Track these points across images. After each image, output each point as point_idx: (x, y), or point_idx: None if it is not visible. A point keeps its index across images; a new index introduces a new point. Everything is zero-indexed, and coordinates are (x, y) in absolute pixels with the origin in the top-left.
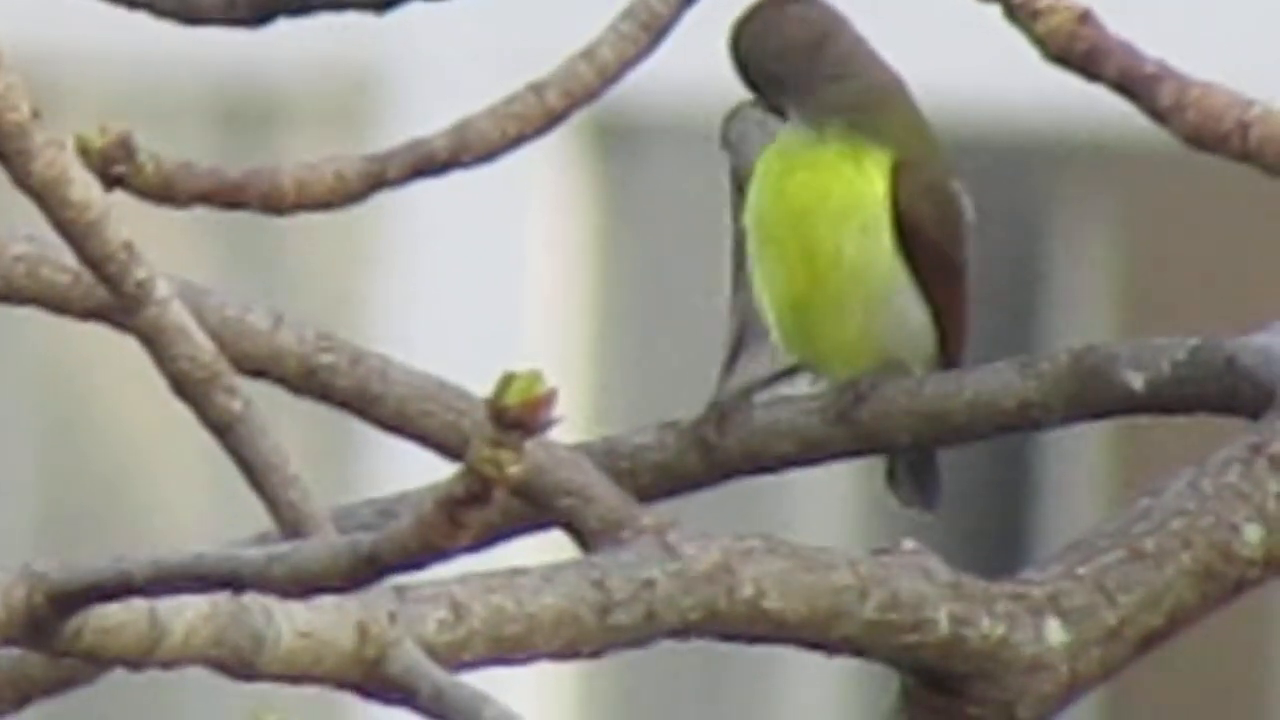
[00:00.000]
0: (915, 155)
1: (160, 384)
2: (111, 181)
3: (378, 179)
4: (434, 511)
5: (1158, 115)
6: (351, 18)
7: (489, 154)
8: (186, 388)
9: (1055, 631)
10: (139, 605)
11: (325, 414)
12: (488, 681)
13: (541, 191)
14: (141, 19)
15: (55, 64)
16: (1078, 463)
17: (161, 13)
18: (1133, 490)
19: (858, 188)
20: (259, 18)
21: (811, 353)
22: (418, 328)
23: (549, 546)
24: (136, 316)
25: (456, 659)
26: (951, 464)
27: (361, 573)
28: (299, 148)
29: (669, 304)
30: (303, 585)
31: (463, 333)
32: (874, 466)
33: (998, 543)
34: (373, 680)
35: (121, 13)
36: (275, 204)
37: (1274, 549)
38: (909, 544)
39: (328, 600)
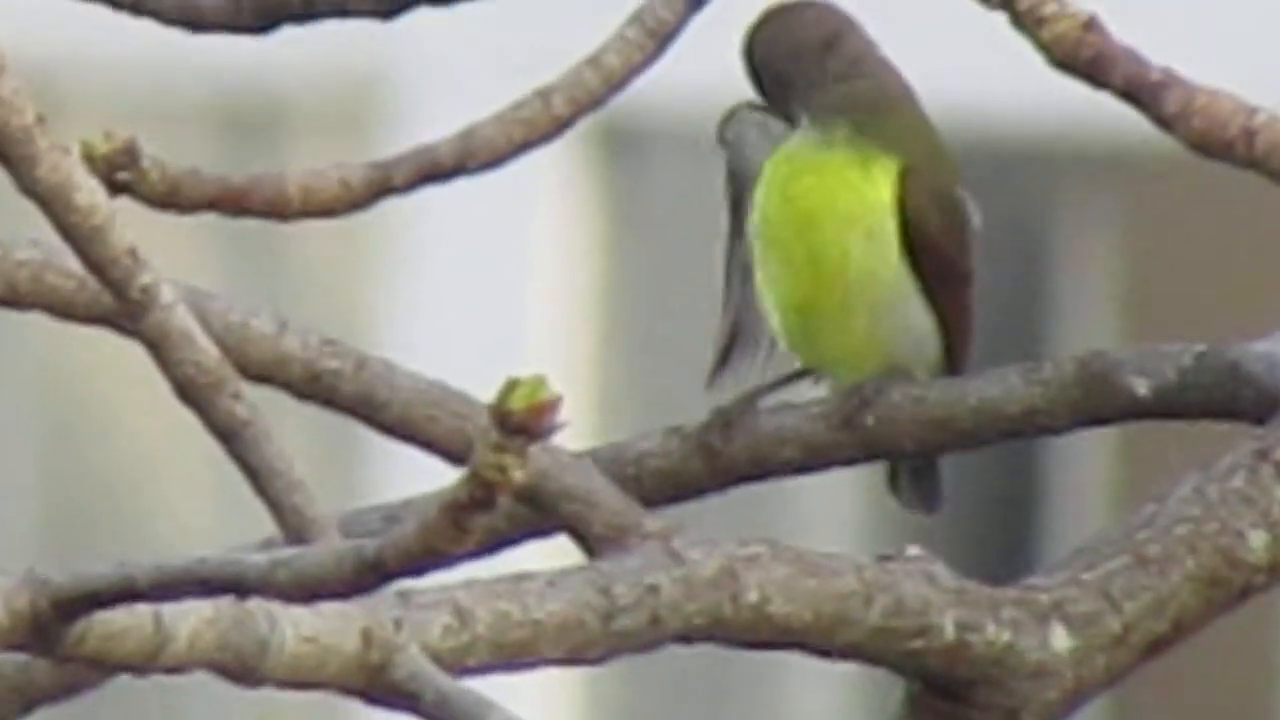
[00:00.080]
0: (922, 162)
1: (165, 389)
2: (116, 187)
3: (383, 185)
4: (438, 517)
5: (1163, 122)
6: (357, 24)
7: (495, 160)
8: (191, 393)
9: (1060, 638)
10: (143, 610)
11: (330, 419)
12: (492, 687)
13: (547, 197)
14: (147, 25)
15: (60, 70)
16: (1082, 469)
17: (167, 20)
18: (1138, 496)
19: (864, 193)
20: (264, 24)
21: (816, 358)
22: (422, 333)
23: (554, 552)
24: (141, 322)
25: (461, 665)
26: (956, 470)
27: (366, 578)
28: (304, 154)
29: (674, 310)
30: (307, 590)
31: (467, 338)
32: (878, 472)
33: (1002, 549)
34: (377, 686)
35: (127, 19)
36: (280, 210)
37: (1279, 555)
38: (914, 550)
39: (332, 606)
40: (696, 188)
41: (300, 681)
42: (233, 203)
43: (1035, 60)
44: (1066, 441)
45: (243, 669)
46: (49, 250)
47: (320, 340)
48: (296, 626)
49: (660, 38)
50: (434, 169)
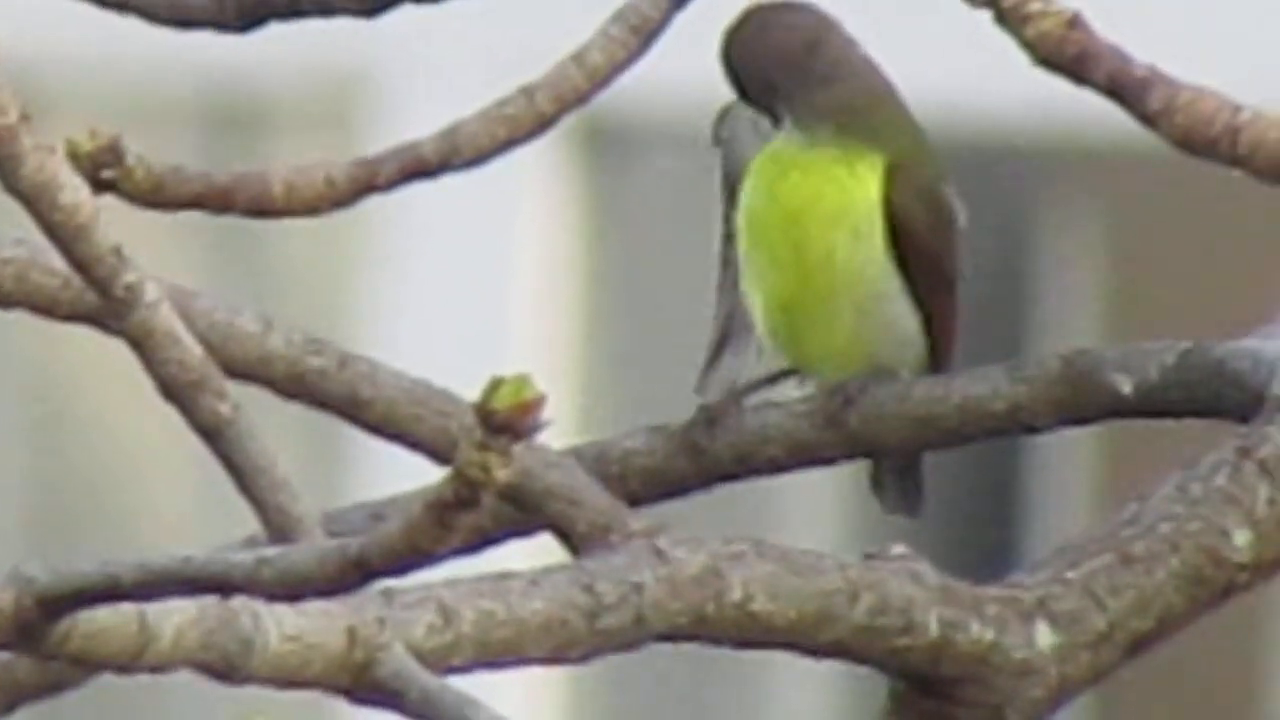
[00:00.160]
0: (908, 159)
1: (149, 387)
2: (101, 185)
3: (367, 183)
4: (422, 515)
5: (1147, 119)
6: (341, 22)
7: (479, 158)
8: (175, 391)
9: (1044, 635)
10: (127, 609)
11: (314, 418)
12: (476, 686)
13: (531, 195)
14: (131, 23)
15: (45, 68)
16: (1066, 467)
17: (152, 17)
18: (1121, 495)
19: (850, 191)
20: (248, 22)
21: (801, 356)
22: (406, 332)
23: (538, 551)
24: (125, 320)
25: (445, 663)
26: (940, 468)
27: (350, 577)
28: (288, 152)
29: (658, 308)
30: (291, 589)
31: (451, 336)
32: (863, 470)
33: (987, 547)
34: (361, 684)
35: (111, 17)
36: (265, 208)
37: (1263, 553)
38: (898, 548)
39: (316, 604)
40: (681, 185)
41: (284, 680)
42: (217, 200)
43: (1019, 57)
44: (1050, 439)
45: (227, 668)
46: (34, 248)
47: (304, 338)
48: (280, 625)
49: (644, 35)
50: (418, 166)
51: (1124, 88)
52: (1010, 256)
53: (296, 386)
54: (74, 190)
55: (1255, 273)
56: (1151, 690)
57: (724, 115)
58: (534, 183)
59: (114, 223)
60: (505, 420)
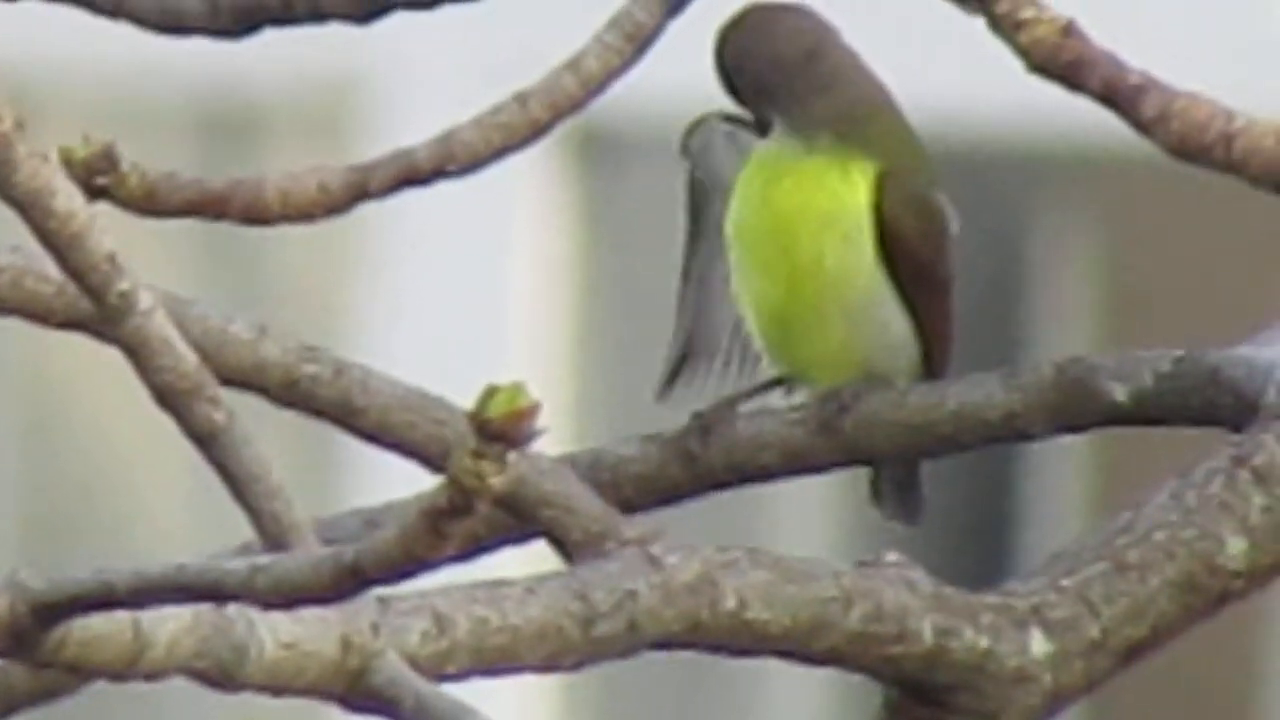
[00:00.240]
0: (901, 166)
1: (143, 395)
2: (95, 192)
3: (361, 189)
4: (417, 523)
5: (1141, 126)
6: (334, 28)
7: (473, 164)
8: (169, 398)
9: (1039, 643)
10: (122, 616)
11: (308, 425)
12: (471, 692)
13: (525, 202)
14: (124, 30)
15: (39, 75)
16: (1061, 474)
17: (145, 23)
18: (1116, 503)
19: (840, 197)
20: (243, 28)
21: (794, 363)
22: (400, 339)
23: (532, 558)
24: (120, 327)
25: (439, 670)
26: (934, 476)
27: (344, 584)
28: (282, 158)
29: (652, 316)
30: (286, 596)
31: (445, 344)
32: (858, 478)
33: (981, 554)
34: (356, 692)
35: (105, 23)
36: (259, 215)
37: (1257, 561)
38: (892, 556)
39: (311, 612)
40: (675, 192)
41: (279, 687)
42: (211, 207)
43: (1013, 64)
44: (1044, 446)
45: (221, 675)
46: (28, 255)
47: (298, 346)
48: (275, 632)
49: (638, 42)
50: (412, 173)
51: (1118, 94)
52: (1005, 264)
53: (290, 394)
54: (68, 197)
55: (1250, 280)
56: (1146, 695)
57: (696, 127)
58: (528, 190)
59: (108, 230)
60: (500, 428)
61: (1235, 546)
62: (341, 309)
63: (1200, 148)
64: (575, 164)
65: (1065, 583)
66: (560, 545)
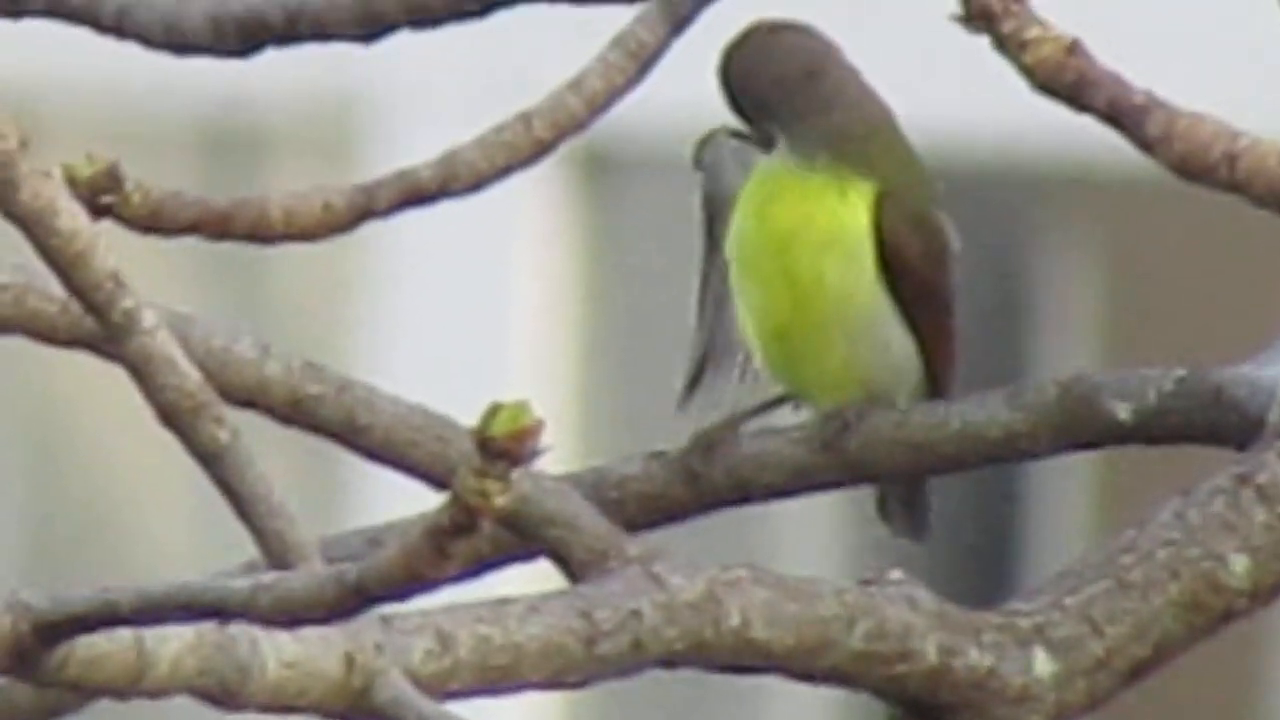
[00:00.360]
0: (900, 185)
1: (147, 413)
2: (99, 211)
3: (366, 209)
4: (420, 541)
5: (1146, 146)
6: (339, 47)
7: (477, 184)
8: (173, 417)
9: (1042, 662)
10: (125, 635)
11: (312, 444)
12: (474, 711)
13: (528, 221)
14: (130, 49)
15: (43, 93)
16: (1064, 493)
17: (151, 43)
18: (1119, 521)
19: (841, 216)
20: (247, 47)
21: (796, 382)
22: (404, 357)
23: (536, 577)
24: (123, 346)
25: (443, 689)
26: (937, 494)
27: (348, 603)
28: (286, 178)
29: (655, 334)
30: (289, 615)
31: (449, 362)
32: (860, 496)
33: (984, 573)
34: (359, 710)
35: (110, 43)
36: (263, 234)
37: (1261, 580)
38: (895, 574)
39: (314, 630)
40: (677, 211)
41: (282, 706)
42: (215, 226)
43: (1017, 83)
44: (1048, 465)
45: (224, 694)
46: (31, 274)
47: (302, 364)
48: (278, 651)
49: (642, 61)
50: (416, 192)
51: (1122, 114)
52: (1008, 283)
53: (294, 412)
54: (72, 216)
55: (1252, 299)
56: (1146, 709)
57: (706, 141)
58: (531, 209)
59: (112, 248)
60: (503, 446)
61: (1238, 565)
62: (345, 327)
63: (1204, 167)
64: (578, 183)
65: (1068, 601)
66: (564, 564)
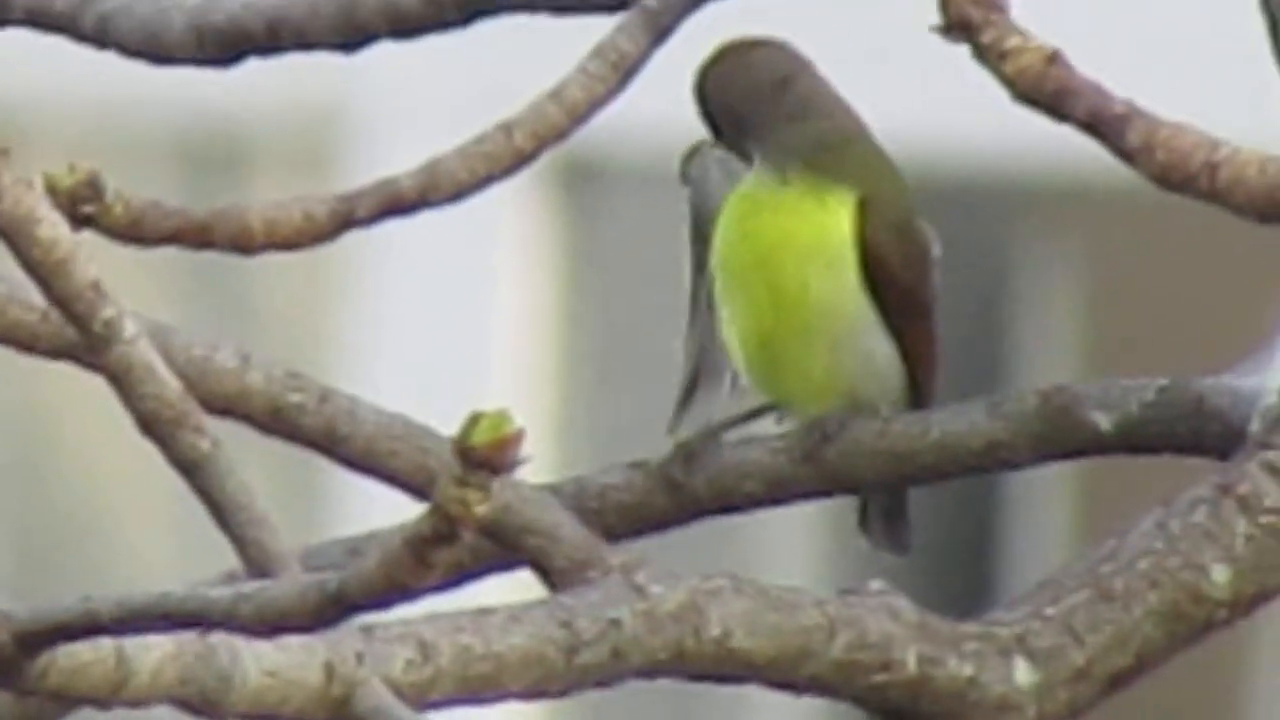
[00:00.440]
0: (879, 193)
1: (127, 422)
2: (79, 221)
3: (346, 218)
4: (401, 550)
5: (1126, 155)
6: (319, 57)
7: (458, 194)
8: (154, 426)
9: (1023, 672)
10: (106, 644)
11: (293, 453)
12: None
13: (509, 230)
14: (109, 59)
15: (23, 104)
16: (1045, 503)
17: (130, 52)
18: (1100, 531)
19: (823, 225)
20: (227, 57)
21: (779, 392)
22: (385, 367)
23: (517, 586)
24: (104, 355)
25: (424, 698)
26: (918, 504)
27: (329, 612)
28: (267, 187)
29: (636, 344)
30: (270, 624)
31: (430, 372)
32: (842, 506)
33: (965, 583)
34: (340, 719)
35: (89, 53)
36: (244, 244)
37: (1242, 590)
38: (876, 584)
39: (295, 640)
40: (658, 221)
41: (263, 715)
42: (196, 236)
43: (997, 93)
44: (1029, 475)
45: (205, 703)
46: (12, 283)
47: (283, 374)
48: (259, 660)
49: (622, 71)
50: (397, 202)
51: (1103, 124)
52: (989, 294)
53: (275, 422)
54: (52, 225)
55: (1234, 309)
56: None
57: (692, 153)
58: (512, 219)
59: (92, 258)
60: (484, 455)
61: (1220, 575)
62: (326, 337)
63: (1185, 177)
64: (559, 193)
65: (1049, 611)
66: (544, 573)
